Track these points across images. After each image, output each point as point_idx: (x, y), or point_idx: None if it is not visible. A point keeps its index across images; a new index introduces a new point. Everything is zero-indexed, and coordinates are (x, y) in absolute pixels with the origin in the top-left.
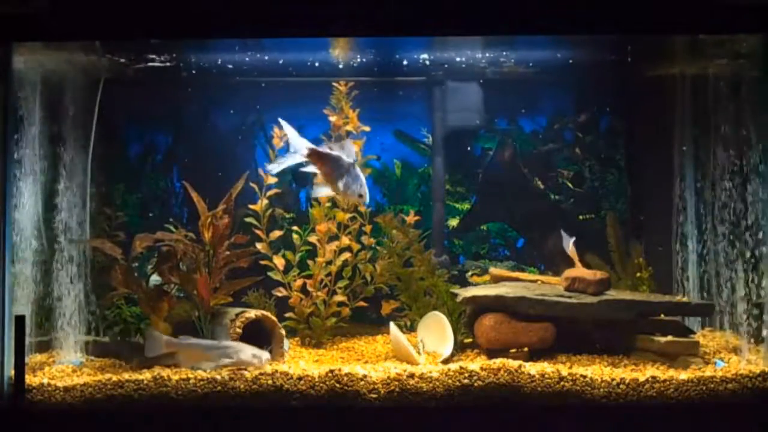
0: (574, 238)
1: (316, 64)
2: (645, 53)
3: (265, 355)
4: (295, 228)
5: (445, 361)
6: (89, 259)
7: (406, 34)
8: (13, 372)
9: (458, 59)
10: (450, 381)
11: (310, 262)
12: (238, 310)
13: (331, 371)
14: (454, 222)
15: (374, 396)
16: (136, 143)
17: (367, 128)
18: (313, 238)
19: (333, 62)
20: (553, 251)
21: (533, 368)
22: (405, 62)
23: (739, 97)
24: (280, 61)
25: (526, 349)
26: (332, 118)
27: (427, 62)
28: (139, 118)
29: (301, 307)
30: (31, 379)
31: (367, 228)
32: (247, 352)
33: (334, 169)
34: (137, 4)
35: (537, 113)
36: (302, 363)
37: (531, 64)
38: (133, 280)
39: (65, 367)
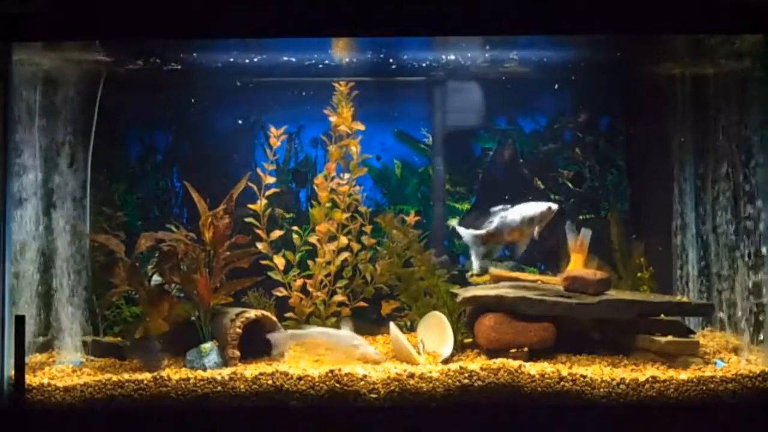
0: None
1: (317, 64)
2: (646, 53)
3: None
4: (295, 228)
5: (445, 361)
6: (90, 258)
7: (406, 34)
8: (13, 372)
9: (458, 59)
10: (450, 381)
11: (310, 262)
12: (238, 310)
13: (331, 371)
14: (454, 222)
15: (374, 396)
16: (136, 143)
17: (361, 126)
18: (313, 239)
19: (333, 62)
20: (553, 251)
21: (533, 368)
22: (405, 62)
23: (740, 97)
24: (282, 61)
25: (526, 349)
26: (332, 119)
27: (428, 62)
28: (140, 117)
29: (301, 307)
30: (31, 379)
31: (368, 228)
32: (370, 347)
33: (506, 229)
34: (137, 4)
35: (537, 113)
36: (302, 363)
37: (531, 64)
38: (135, 278)
39: (65, 367)
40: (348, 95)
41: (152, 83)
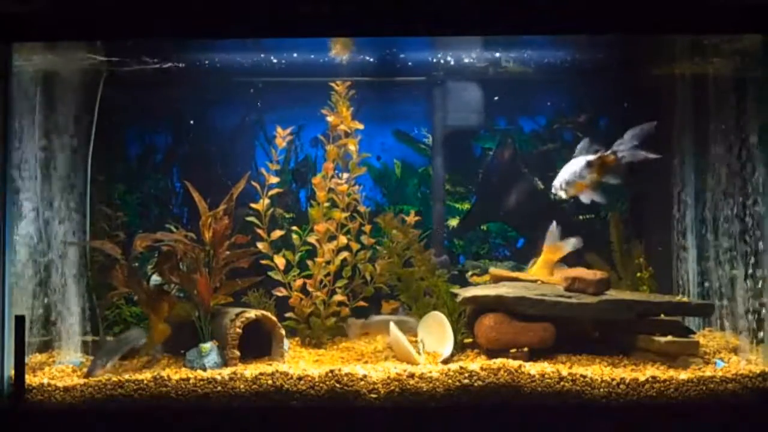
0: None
1: (317, 64)
2: (645, 53)
3: None
4: (294, 228)
5: (445, 361)
6: (89, 259)
7: (406, 34)
8: (13, 372)
9: (458, 59)
10: (450, 381)
11: (309, 262)
12: (238, 310)
13: (331, 371)
14: (454, 222)
15: (374, 396)
16: (136, 143)
17: (360, 126)
18: (312, 238)
19: (333, 62)
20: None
21: (533, 368)
22: (405, 62)
23: (739, 96)
24: (282, 60)
25: (526, 349)
26: (330, 118)
27: (428, 62)
28: (140, 117)
29: (301, 307)
30: (31, 379)
31: (367, 228)
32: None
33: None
34: (137, 4)
35: (537, 113)
36: (302, 363)
37: (530, 64)
38: (134, 280)
39: (65, 367)
40: (346, 95)
41: (152, 82)
